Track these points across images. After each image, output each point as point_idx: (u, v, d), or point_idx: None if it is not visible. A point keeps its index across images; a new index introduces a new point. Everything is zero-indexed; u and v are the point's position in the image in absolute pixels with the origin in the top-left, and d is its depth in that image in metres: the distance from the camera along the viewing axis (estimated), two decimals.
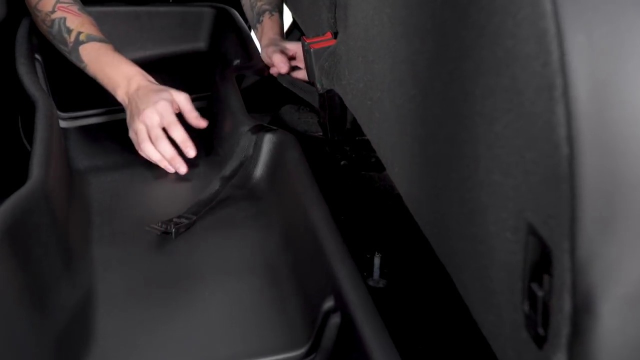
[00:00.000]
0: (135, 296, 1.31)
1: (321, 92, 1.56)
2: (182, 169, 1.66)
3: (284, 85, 1.83)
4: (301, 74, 1.80)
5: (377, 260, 1.37)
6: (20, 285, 1.13)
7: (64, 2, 1.79)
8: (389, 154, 1.22)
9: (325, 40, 1.51)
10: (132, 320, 1.27)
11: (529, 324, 0.77)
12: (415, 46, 1.02)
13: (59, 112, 1.76)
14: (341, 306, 1.15)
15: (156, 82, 1.72)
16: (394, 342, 1.09)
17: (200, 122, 1.72)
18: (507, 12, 0.75)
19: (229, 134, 1.68)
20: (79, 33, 1.74)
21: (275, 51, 1.88)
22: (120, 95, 1.70)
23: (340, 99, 1.46)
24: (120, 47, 1.83)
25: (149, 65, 1.73)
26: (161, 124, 1.64)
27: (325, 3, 1.49)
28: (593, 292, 0.68)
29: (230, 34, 2.12)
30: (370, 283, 1.38)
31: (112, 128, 1.81)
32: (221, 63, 2.08)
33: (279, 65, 1.84)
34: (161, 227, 1.43)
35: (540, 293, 0.74)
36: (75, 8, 1.79)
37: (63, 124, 1.77)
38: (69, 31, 1.75)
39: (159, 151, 1.65)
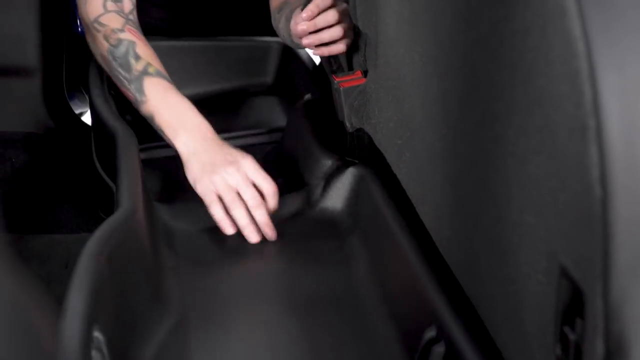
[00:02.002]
0: (224, 326, 1.31)
1: (350, 130, 1.56)
2: (254, 238, 1.50)
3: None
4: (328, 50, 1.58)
5: None
6: (117, 311, 1.14)
7: (133, 25, 1.68)
8: (419, 194, 1.22)
9: (355, 79, 1.51)
10: (222, 350, 1.27)
11: None
12: (447, 85, 1.01)
13: None
14: (445, 335, 1.14)
15: (220, 138, 1.61)
16: None
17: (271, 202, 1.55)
18: (539, 52, 0.75)
19: (306, 169, 1.68)
20: (148, 64, 1.62)
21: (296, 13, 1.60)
22: (181, 142, 1.57)
23: (370, 138, 1.46)
24: (188, 81, 1.81)
25: (216, 100, 1.71)
26: (237, 186, 1.52)
27: (355, 41, 1.50)
28: (626, 336, 0.67)
29: (298, 68, 2.12)
30: None
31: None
32: (291, 97, 2.08)
33: (298, 29, 1.54)
34: None
35: (572, 336, 0.73)
36: (144, 38, 1.68)
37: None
38: (138, 58, 1.62)
39: (233, 215, 1.52)
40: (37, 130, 2.08)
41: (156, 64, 1.63)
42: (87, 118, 2.17)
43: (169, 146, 1.59)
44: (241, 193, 1.50)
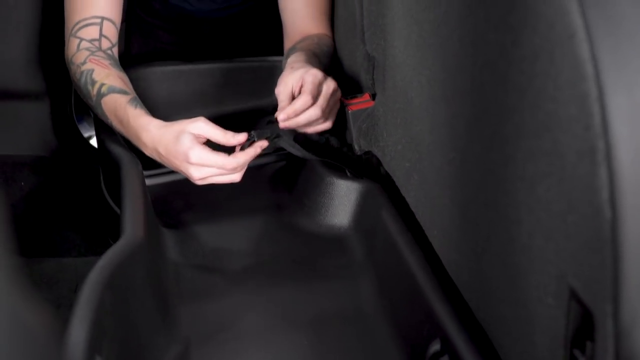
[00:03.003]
0: (232, 349, 1.31)
1: (359, 153, 1.56)
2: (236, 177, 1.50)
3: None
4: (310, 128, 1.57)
5: None
6: (121, 339, 1.14)
7: (97, 55, 1.70)
8: (427, 217, 1.22)
9: (363, 102, 1.51)
10: None
11: None
12: (455, 109, 1.02)
13: None
14: (449, 349, 1.14)
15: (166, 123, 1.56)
16: None
17: (232, 139, 1.50)
18: (547, 75, 0.75)
19: (313, 186, 1.68)
20: (102, 85, 1.62)
21: (286, 79, 1.56)
22: (148, 152, 1.57)
23: (378, 160, 1.46)
24: (197, 104, 1.80)
25: (224, 122, 1.70)
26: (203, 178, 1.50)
27: (363, 65, 1.50)
28: (637, 358, 0.67)
29: None
30: None
31: (189, 184, 1.79)
32: None
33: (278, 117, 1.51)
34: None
35: (582, 359, 0.73)
36: (107, 62, 1.69)
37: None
38: (94, 83, 1.63)
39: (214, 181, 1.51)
40: (45, 153, 2.09)
41: (110, 81, 1.63)
42: (95, 141, 2.18)
43: (175, 172, 1.60)
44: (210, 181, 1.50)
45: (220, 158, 1.46)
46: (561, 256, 0.76)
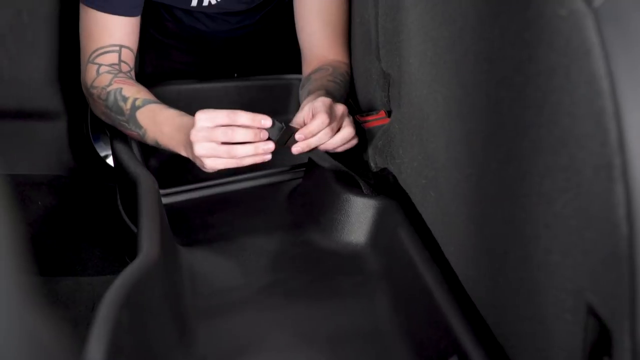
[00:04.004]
0: None
1: (375, 170, 1.56)
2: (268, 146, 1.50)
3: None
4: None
5: None
6: (138, 358, 1.14)
7: (122, 77, 1.74)
8: (444, 233, 1.22)
9: (379, 119, 1.51)
10: None
11: None
12: (471, 125, 1.02)
13: None
14: None
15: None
16: None
17: (255, 121, 1.51)
18: (563, 91, 0.75)
19: (329, 204, 1.68)
20: (135, 99, 1.67)
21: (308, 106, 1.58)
22: (184, 150, 1.59)
23: (394, 177, 1.46)
24: None
25: None
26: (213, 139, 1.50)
27: (379, 82, 1.50)
28: None
29: None
30: None
31: (205, 203, 1.80)
32: None
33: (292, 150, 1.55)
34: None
35: None
36: (131, 81, 1.74)
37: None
38: (125, 99, 1.67)
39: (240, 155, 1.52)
40: (62, 172, 2.10)
41: (143, 95, 1.67)
42: (112, 160, 2.19)
43: (191, 190, 1.62)
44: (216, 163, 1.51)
45: (227, 111, 1.49)
46: (578, 272, 0.76)
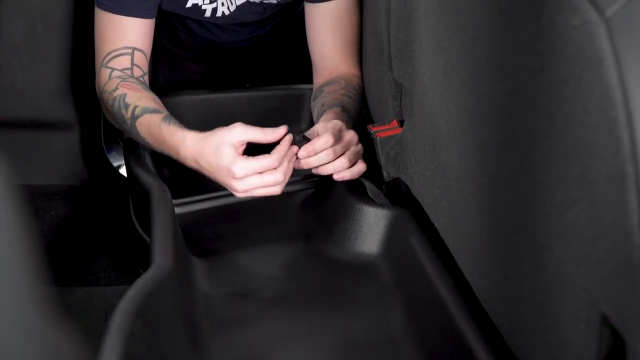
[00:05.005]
0: None
1: (387, 180, 1.56)
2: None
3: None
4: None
5: None
6: None
7: (129, 81, 1.73)
8: (457, 243, 1.22)
9: (391, 129, 1.51)
10: None
11: None
12: (483, 135, 1.02)
13: None
14: None
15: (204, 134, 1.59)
16: None
17: (272, 135, 1.52)
18: (576, 101, 0.75)
19: (341, 214, 1.68)
20: (135, 107, 1.65)
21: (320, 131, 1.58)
22: (190, 165, 1.59)
23: (407, 187, 1.46)
24: None
25: (253, 150, 1.71)
26: (235, 174, 1.50)
27: (391, 91, 1.50)
28: None
29: None
30: None
31: (218, 213, 1.80)
32: None
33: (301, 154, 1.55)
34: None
35: None
36: (138, 86, 1.71)
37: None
38: (127, 107, 1.66)
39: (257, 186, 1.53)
40: (75, 183, 2.10)
41: (143, 103, 1.66)
42: (124, 170, 2.19)
43: (204, 200, 1.63)
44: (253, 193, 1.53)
45: (263, 159, 1.48)
46: (592, 282, 0.76)
